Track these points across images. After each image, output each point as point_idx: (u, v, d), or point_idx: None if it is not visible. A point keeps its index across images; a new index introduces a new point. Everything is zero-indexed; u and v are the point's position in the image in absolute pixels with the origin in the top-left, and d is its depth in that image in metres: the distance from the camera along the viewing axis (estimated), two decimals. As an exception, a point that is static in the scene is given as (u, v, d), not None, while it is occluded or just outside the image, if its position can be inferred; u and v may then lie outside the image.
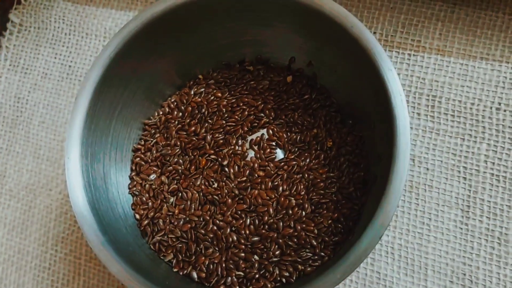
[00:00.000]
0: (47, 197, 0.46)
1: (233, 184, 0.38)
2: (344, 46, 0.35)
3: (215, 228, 0.37)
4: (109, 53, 0.35)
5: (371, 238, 0.30)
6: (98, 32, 0.50)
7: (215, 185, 0.39)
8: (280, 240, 0.36)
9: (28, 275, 0.45)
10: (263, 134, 0.40)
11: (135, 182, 0.39)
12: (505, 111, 0.41)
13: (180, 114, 0.41)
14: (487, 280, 0.38)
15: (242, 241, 0.37)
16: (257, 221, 0.37)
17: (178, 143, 0.40)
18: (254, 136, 0.40)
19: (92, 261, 0.44)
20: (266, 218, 0.37)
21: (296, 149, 0.39)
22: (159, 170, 0.40)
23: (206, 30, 0.39)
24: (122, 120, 0.39)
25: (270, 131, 0.40)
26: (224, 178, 0.39)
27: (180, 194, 0.39)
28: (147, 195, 0.39)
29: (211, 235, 0.37)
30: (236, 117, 0.40)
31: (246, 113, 0.41)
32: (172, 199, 0.39)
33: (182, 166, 0.40)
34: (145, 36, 0.36)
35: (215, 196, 0.38)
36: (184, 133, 0.40)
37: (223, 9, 0.37)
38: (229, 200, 0.38)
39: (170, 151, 0.40)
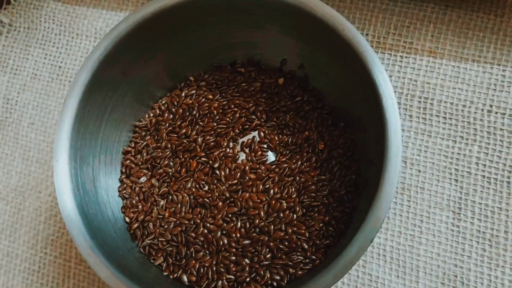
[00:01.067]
0: (36, 199, 0.46)
1: (224, 187, 0.38)
2: (336, 49, 0.35)
3: (205, 231, 0.37)
4: (98, 55, 0.34)
5: (362, 242, 0.30)
6: (89, 32, 0.49)
7: (206, 188, 0.38)
8: (271, 244, 0.36)
9: (17, 278, 0.45)
10: (254, 136, 0.40)
11: (125, 185, 0.39)
12: (496, 113, 0.41)
13: (171, 116, 0.41)
14: (479, 282, 0.38)
15: (233, 244, 0.36)
16: (248, 224, 0.37)
17: (169, 146, 0.40)
18: (245, 139, 0.40)
19: (82, 264, 0.44)
20: (257, 221, 0.37)
21: (288, 152, 0.39)
22: (150, 173, 0.40)
23: (196, 32, 0.39)
24: (112, 123, 0.38)
25: (262, 134, 0.40)
26: (215, 181, 0.39)
27: (170, 197, 0.39)
28: (137, 198, 0.39)
29: (202, 239, 0.37)
30: (227, 119, 0.40)
31: (238, 115, 0.40)
32: (162, 202, 0.38)
33: (173, 169, 0.39)
34: (135, 38, 0.36)
35: (205, 199, 0.38)
36: (175, 135, 0.40)
37: (214, 11, 0.37)
38: (220, 203, 0.38)
39: (160, 154, 0.40)
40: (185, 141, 0.40)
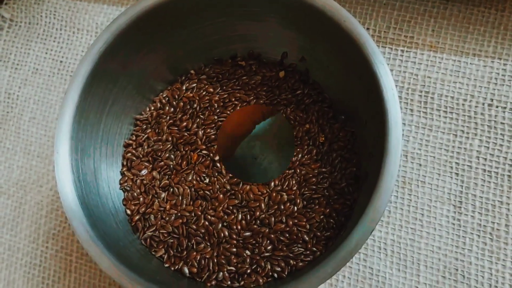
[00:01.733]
0: (38, 193, 0.46)
1: (224, 180, 0.38)
2: (336, 41, 0.35)
3: (206, 223, 0.37)
4: (98, 48, 0.34)
5: (362, 234, 0.30)
6: (90, 27, 0.49)
7: (207, 180, 0.39)
8: (272, 235, 0.36)
9: (19, 272, 0.45)
10: (255, 129, 0.40)
11: (126, 178, 0.39)
12: (497, 107, 0.41)
13: (172, 109, 0.41)
14: (479, 275, 0.38)
15: (234, 236, 0.36)
16: (248, 216, 0.37)
17: (170, 138, 0.40)
18: (246, 132, 0.40)
19: (83, 257, 0.44)
20: (258, 213, 0.37)
21: (288, 145, 0.39)
22: (151, 166, 0.40)
23: (196, 25, 0.39)
24: (113, 115, 0.38)
25: (262, 127, 0.40)
26: (216, 174, 0.39)
27: (171, 190, 0.39)
28: (138, 190, 0.39)
29: (203, 230, 0.37)
30: (228, 112, 0.40)
31: (238, 108, 0.40)
32: (163, 195, 0.39)
33: (174, 162, 0.39)
34: (135, 31, 0.36)
35: (206, 192, 0.38)
36: (176, 128, 0.40)
37: (212, 4, 0.37)
38: (221, 196, 0.38)
39: (161, 146, 0.40)
40: (186, 134, 0.40)
